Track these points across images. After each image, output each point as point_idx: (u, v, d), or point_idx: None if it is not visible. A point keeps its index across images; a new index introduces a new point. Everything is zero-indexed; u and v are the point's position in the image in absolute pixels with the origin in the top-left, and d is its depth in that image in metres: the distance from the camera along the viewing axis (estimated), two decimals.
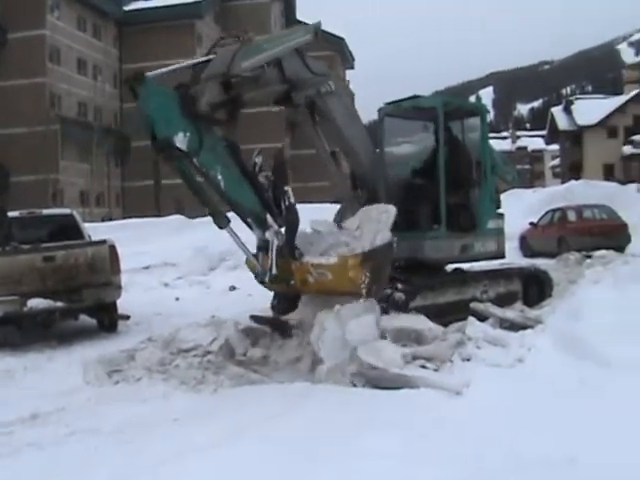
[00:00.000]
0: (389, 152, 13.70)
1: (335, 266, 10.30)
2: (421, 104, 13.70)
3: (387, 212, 10.98)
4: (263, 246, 10.70)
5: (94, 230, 18.89)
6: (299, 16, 76.22)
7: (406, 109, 13.59)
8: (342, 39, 71.78)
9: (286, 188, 10.54)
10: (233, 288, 20.52)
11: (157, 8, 71.36)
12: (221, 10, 75.88)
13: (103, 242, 14.08)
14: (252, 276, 11.18)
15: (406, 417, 7.09)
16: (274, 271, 10.33)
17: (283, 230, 10.53)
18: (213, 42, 11.07)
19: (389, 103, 13.77)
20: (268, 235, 10.37)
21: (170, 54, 67.85)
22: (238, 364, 10.16)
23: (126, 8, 74.53)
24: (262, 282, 11.02)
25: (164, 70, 9.90)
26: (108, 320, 14.46)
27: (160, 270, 25.82)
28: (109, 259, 13.84)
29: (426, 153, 13.86)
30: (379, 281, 10.44)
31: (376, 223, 10.90)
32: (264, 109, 65.64)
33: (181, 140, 9.44)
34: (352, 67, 78.44)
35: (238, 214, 10.58)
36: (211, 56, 10.39)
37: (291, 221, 10.53)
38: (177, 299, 19.05)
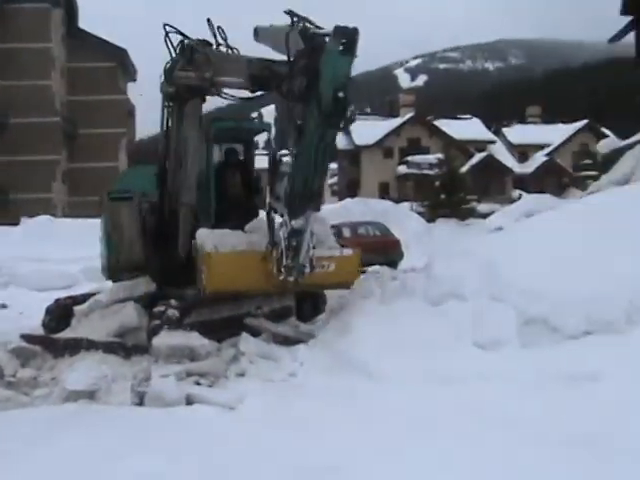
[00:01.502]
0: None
1: (346, 258, 11.69)
2: (249, 126, 14.34)
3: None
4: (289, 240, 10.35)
5: None
6: (81, 25, 74.05)
7: (227, 129, 13.79)
8: (124, 50, 70.32)
9: None
10: (4, 306, 19.60)
11: None
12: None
13: None
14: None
15: (178, 434, 7.05)
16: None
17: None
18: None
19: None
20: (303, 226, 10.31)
21: None
22: (7, 386, 9.72)
23: None
24: (296, 278, 10.63)
25: None
26: None
27: None
28: None
29: (240, 170, 13.94)
30: None
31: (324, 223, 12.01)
32: (40, 119, 63.76)
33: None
34: (134, 79, 77.06)
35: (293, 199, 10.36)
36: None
37: None
38: None
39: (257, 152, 14.74)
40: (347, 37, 9.81)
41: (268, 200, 11.28)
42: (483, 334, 9.24)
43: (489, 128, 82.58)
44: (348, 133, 78.54)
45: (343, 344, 9.85)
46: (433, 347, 9.10)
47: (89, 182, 62.88)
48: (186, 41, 11.61)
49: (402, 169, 74.90)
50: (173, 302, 11.28)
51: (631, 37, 40.10)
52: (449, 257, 11.24)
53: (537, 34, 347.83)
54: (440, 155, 60.42)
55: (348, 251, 11.92)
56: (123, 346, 10.49)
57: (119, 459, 6.24)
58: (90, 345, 10.45)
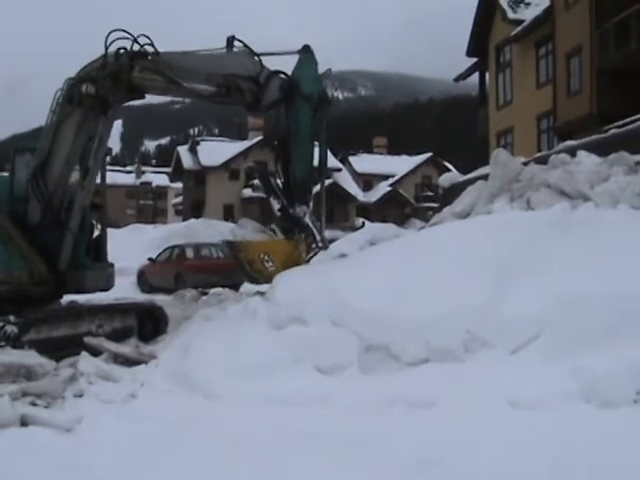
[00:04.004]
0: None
1: None
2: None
3: None
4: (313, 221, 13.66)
5: None
6: None
7: None
8: None
9: None
10: None
11: None
12: None
13: None
14: None
15: (11, 458, 6.81)
16: None
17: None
18: None
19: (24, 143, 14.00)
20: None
21: None
22: None
23: None
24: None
25: None
26: None
27: None
28: None
29: None
30: None
31: None
32: None
33: None
34: None
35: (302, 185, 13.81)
36: None
37: None
38: None
39: None
40: (311, 50, 13.57)
41: (278, 207, 13.81)
42: (323, 359, 9.38)
43: (335, 156, 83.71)
44: (195, 154, 78.11)
45: (184, 365, 9.82)
46: (273, 370, 9.18)
47: None
48: (138, 48, 12.61)
49: (247, 192, 74.85)
50: (12, 318, 10.97)
51: (476, 77, 42.13)
52: (291, 281, 11.36)
53: (388, 68, 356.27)
54: None
55: None
56: None
57: None
58: None
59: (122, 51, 12.49)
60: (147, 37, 12.59)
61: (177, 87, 12.81)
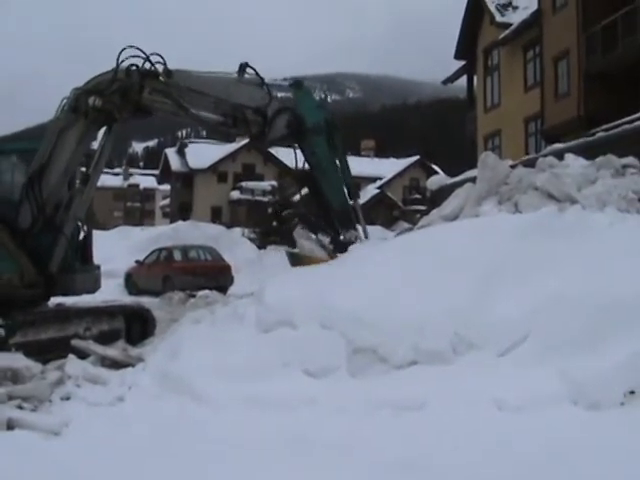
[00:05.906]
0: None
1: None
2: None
3: None
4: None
5: None
6: None
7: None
8: None
9: None
10: None
11: None
12: None
13: None
14: None
15: None
16: None
17: None
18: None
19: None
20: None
21: None
22: None
23: None
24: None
25: None
26: None
27: None
28: None
29: None
30: None
31: None
32: None
33: None
34: None
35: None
36: None
37: None
38: None
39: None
40: (303, 85, 14.28)
41: (329, 241, 13.64)
42: (312, 362, 9.34)
43: None
44: (183, 156, 77.91)
45: (172, 368, 9.77)
46: (262, 373, 9.13)
47: None
48: (148, 67, 12.77)
49: (235, 194, 74.74)
50: None
51: (464, 80, 42.28)
52: (280, 284, 11.34)
53: (377, 70, 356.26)
54: (274, 182, 60.63)
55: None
56: None
57: None
58: None
59: (134, 68, 12.61)
60: (160, 56, 12.72)
61: (185, 113, 12.90)
